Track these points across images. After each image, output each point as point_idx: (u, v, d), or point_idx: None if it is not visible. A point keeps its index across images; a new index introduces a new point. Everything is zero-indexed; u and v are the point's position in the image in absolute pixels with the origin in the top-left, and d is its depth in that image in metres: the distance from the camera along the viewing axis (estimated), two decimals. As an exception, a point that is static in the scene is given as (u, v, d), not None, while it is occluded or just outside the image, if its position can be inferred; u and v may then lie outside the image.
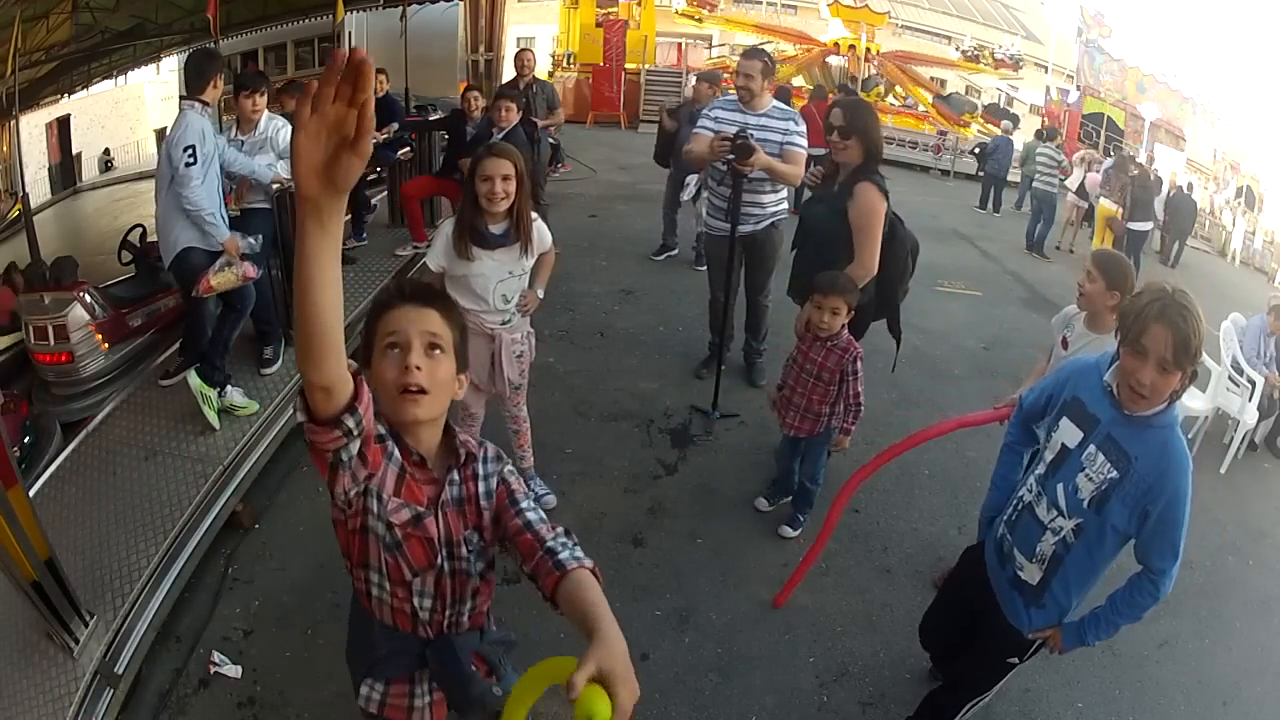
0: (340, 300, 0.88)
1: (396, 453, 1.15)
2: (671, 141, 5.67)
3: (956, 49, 15.03)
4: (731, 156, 3.23)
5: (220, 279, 3.25)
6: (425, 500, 1.18)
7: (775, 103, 3.55)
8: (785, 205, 3.80)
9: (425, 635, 1.27)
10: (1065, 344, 2.46)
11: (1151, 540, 1.56)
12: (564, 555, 1.11)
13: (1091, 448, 1.60)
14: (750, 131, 3.27)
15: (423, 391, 1.13)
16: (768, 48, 15.47)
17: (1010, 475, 1.90)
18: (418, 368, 1.12)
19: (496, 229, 2.51)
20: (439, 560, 1.21)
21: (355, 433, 0.98)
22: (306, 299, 0.85)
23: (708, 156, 3.37)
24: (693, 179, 5.59)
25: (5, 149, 3.83)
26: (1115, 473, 1.55)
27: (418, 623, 1.26)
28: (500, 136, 4.51)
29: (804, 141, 3.50)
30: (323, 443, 0.99)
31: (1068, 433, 1.66)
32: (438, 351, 1.16)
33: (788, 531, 3.09)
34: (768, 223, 3.73)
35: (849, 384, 2.76)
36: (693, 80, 7.03)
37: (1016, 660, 1.83)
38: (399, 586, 1.22)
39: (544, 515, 1.22)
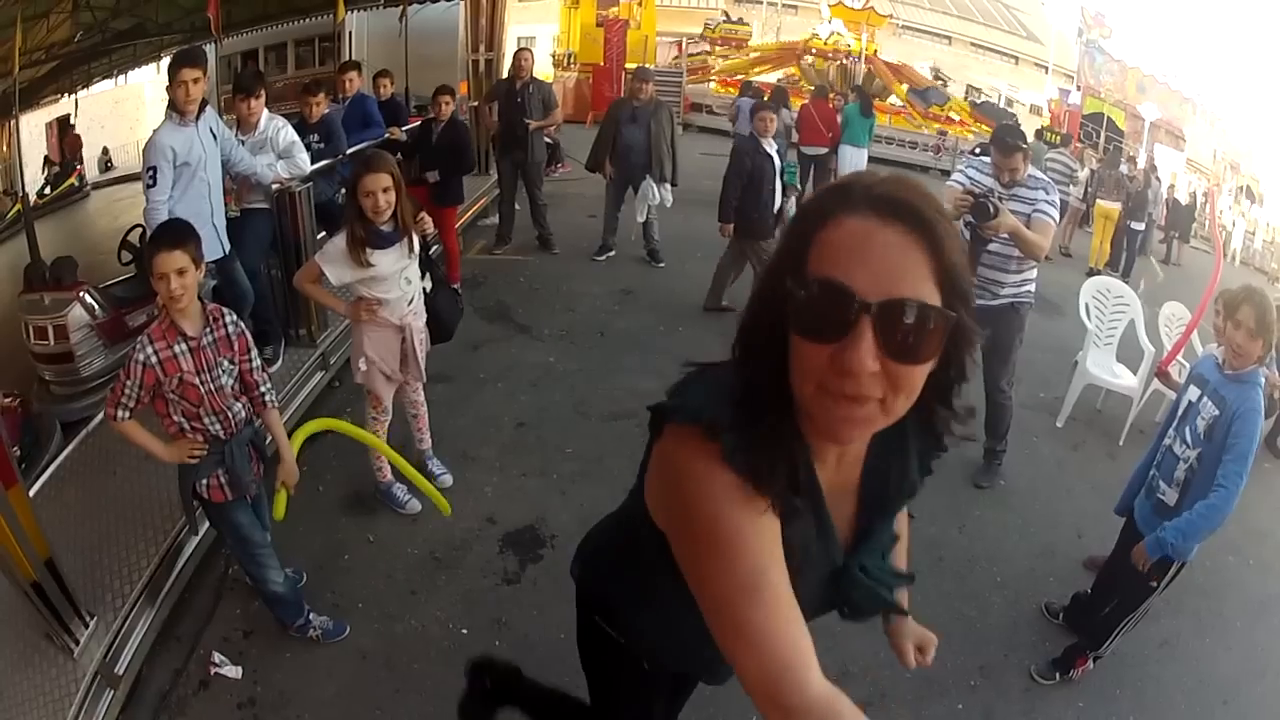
0: None
1: (157, 356, 1.98)
2: (610, 146, 5.65)
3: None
4: (971, 219, 2.97)
5: None
6: (179, 367, 2.01)
7: (1032, 171, 3.21)
8: (1031, 287, 3.37)
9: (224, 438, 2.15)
10: None
11: (1227, 458, 2.19)
12: (268, 396, 2.26)
13: (1205, 399, 2.29)
14: (1000, 195, 3.04)
15: (182, 296, 1.97)
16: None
17: (1156, 445, 2.52)
18: (177, 288, 1.94)
19: (386, 228, 2.66)
20: (203, 388, 2.06)
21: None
22: None
23: (950, 214, 3.02)
24: (649, 190, 5.61)
25: (6, 149, 3.83)
26: (1217, 410, 2.23)
27: (213, 433, 2.13)
28: (440, 130, 4.84)
29: (1054, 211, 3.14)
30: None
31: (1192, 393, 2.37)
32: (186, 274, 1.95)
33: None
34: (1005, 301, 3.30)
35: None
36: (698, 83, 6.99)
37: (1156, 584, 2.36)
38: (194, 420, 2.09)
39: (260, 364, 2.23)
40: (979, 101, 15.07)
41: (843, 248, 0.71)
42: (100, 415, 3.26)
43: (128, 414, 2.03)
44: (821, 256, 0.72)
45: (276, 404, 2.32)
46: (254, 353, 2.21)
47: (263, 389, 2.23)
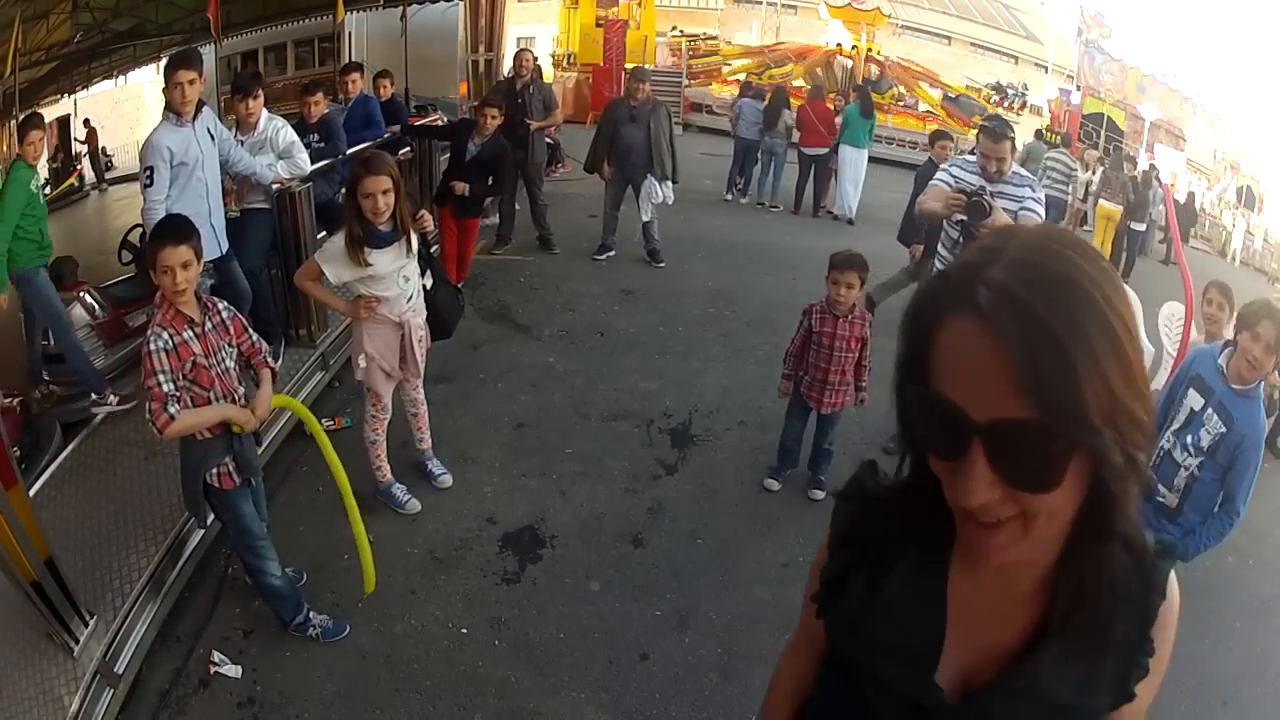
0: None
1: (172, 340, 2.03)
2: (607, 147, 5.65)
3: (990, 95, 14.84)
4: (964, 217, 3.00)
5: None
6: (192, 351, 2.08)
7: (1017, 169, 3.25)
8: None
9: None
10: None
11: (1235, 478, 2.24)
12: (268, 357, 2.36)
13: (1209, 410, 2.27)
14: (988, 193, 3.07)
15: (186, 289, 2.06)
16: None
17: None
18: (182, 281, 2.02)
19: (385, 228, 2.68)
20: (212, 370, 2.12)
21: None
22: None
23: (941, 213, 3.12)
24: (653, 189, 5.60)
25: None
26: (1224, 429, 2.23)
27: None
28: (482, 144, 4.62)
29: (1041, 210, 3.17)
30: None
31: (1194, 400, 2.33)
32: (190, 267, 2.03)
33: (817, 494, 3.31)
34: None
35: (866, 347, 3.08)
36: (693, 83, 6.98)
37: None
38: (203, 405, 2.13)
39: (256, 335, 2.32)
40: None
41: (951, 354, 0.60)
42: (100, 416, 3.27)
43: (177, 407, 2.03)
44: (939, 363, 0.61)
45: (274, 366, 2.43)
46: (249, 328, 2.30)
47: (264, 353, 2.34)
